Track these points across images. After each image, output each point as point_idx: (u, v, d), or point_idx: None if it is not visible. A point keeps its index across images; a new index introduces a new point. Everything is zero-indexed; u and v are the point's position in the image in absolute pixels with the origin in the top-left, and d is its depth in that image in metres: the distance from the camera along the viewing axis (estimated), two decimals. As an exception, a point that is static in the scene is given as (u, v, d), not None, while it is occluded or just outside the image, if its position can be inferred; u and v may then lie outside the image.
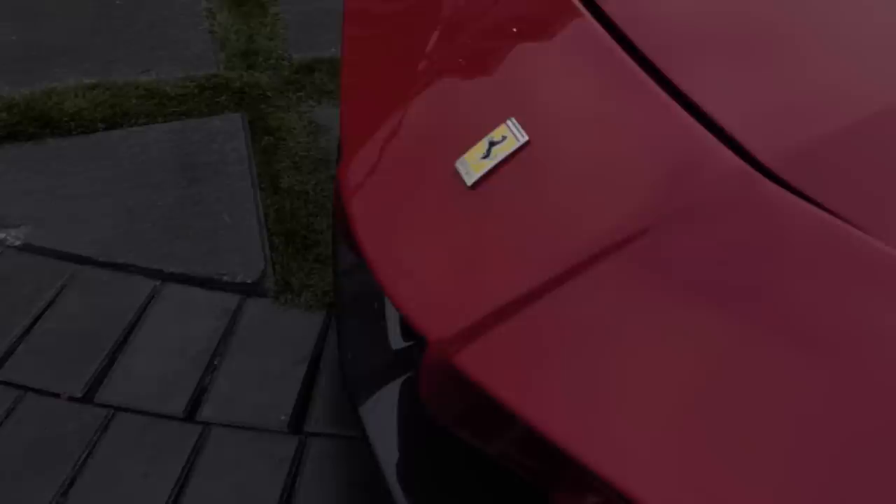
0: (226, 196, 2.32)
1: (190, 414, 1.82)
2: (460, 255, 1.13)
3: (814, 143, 1.04)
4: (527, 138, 1.14)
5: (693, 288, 0.99)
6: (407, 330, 1.43)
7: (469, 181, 1.15)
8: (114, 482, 1.68)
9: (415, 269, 1.15)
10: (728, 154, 1.03)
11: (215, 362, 1.92)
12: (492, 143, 1.16)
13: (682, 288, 1.00)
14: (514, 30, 1.35)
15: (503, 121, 1.17)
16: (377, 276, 1.16)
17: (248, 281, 2.10)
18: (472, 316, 1.05)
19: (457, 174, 1.16)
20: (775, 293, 0.95)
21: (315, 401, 1.88)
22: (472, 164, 1.16)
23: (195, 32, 2.97)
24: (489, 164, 1.15)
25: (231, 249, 2.16)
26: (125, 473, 1.70)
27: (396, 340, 1.44)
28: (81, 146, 2.45)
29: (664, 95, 1.11)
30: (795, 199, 0.99)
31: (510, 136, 1.15)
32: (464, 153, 1.17)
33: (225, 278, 2.10)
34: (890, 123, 1.06)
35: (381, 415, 1.41)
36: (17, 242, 2.16)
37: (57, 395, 1.83)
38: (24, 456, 1.71)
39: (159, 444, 1.76)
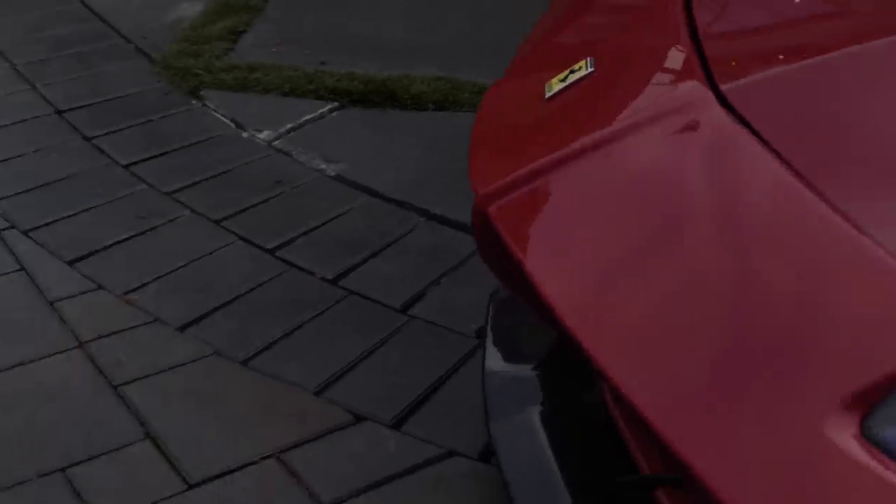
0: (507, 174, 2.77)
1: (404, 308, 2.28)
2: (521, 138, 1.53)
3: (768, 80, 1.33)
4: (592, 69, 1.51)
5: (649, 181, 1.32)
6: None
7: (547, 95, 1.53)
8: (322, 340, 2.18)
9: (486, 146, 1.56)
10: (702, 84, 1.35)
11: (441, 280, 2.37)
12: (571, 71, 1.54)
13: (642, 178, 1.33)
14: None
15: (585, 58, 1.56)
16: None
17: (493, 233, 2.53)
18: (509, 177, 1.43)
19: (543, 92, 1.55)
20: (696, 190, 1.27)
21: (506, 324, 2.27)
22: (554, 85, 1.54)
23: (542, 55, 3.46)
24: (563, 85, 1.53)
25: (491, 210, 2.61)
26: (333, 336, 2.19)
27: None
28: (411, 119, 3.02)
29: (687, 41, 1.44)
30: (734, 122, 1.28)
31: (584, 68, 1.53)
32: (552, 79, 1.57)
33: (474, 226, 2.55)
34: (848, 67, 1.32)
35: (503, 330, 1.79)
36: (332, 173, 2.75)
37: (312, 274, 2.37)
38: (269, 306, 2.27)
39: (370, 323, 2.23)
